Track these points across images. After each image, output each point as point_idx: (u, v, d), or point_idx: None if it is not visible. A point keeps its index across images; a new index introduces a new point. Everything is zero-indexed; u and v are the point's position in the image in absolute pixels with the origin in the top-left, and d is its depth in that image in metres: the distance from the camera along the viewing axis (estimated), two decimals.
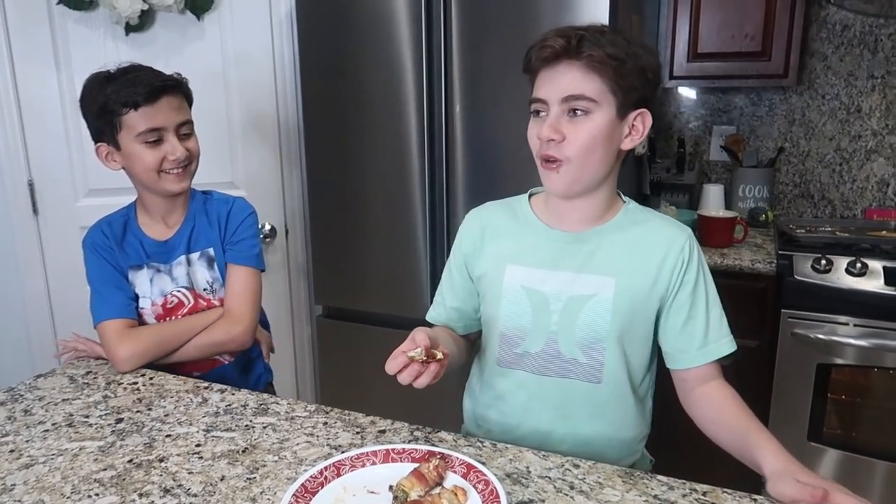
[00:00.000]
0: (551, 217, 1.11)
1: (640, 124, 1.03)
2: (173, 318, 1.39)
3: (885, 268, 1.84)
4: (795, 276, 1.90)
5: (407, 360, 0.92)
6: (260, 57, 2.20)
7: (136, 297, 1.38)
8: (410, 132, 2.01)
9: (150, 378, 1.28)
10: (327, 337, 2.35)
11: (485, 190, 1.96)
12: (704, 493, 0.89)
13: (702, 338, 1.06)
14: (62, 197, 2.11)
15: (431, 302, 2.18)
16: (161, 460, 0.99)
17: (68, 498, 0.90)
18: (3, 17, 1.97)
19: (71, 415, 1.14)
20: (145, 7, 1.99)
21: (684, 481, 0.92)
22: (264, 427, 1.08)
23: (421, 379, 0.93)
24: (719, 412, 1.05)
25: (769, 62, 2.15)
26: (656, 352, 1.14)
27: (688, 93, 2.59)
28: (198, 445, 1.03)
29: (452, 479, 0.90)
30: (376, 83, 2.02)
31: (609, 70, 0.96)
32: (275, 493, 0.90)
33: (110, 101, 1.26)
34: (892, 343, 1.81)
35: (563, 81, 0.98)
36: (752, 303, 1.96)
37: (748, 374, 1.97)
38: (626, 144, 1.04)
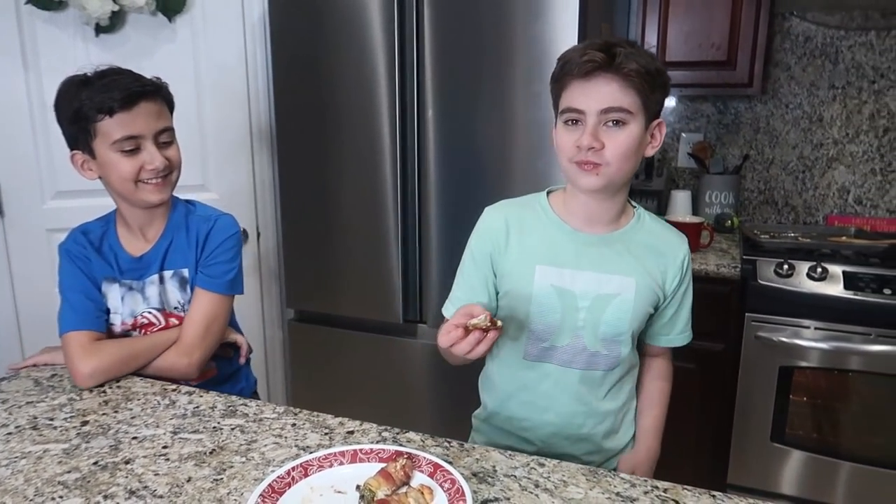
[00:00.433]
0: (572, 218, 1.17)
1: (658, 133, 1.12)
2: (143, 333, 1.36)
3: (844, 273, 1.89)
4: (759, 281, 1.95)
5: (462, 334, 0.97)
6: (232, 59, 2.20)
7: (108, 311, 1.34)
8: (383, 136, 2.02)
9: (117, 381, 1.26)
10: (299, 341, 2.34)
11: (457, 193, 1.98)
12: (665, 490, 0.92)
13: (683, 326, 1.24)
14: (29, 199, 2.08)
15: (404, 305, 2.20)
16: (127, 462, 0.98)
17: (31, 500, 0.89)
18: None
19: (35, 417, 1.12)
20: (116, 8, 1.98)
21: (646, 479, 0.95)
22: (232, 428, 1.08)
23: (479, 347, 0.98)
24: (648, 386, 1.30)
25: (735, 71, 2.21)
26: None
27: None
28: (164, 447, 1.03)
29: (419, 479, 0.91)
30: (349, 87, 2.03)
31: (643, 84, 1.04)
32: (241, 494, 0.90)
33: (84, 106, 1.20)
34: (851, 346, 1.86)
35: (601, 93, 1.04)
36: (718, 306, 2.01)
37: (713, 376, 2.01)
38: (649, 152, 1.12)
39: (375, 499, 0.86)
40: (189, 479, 0.94)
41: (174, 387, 1.24)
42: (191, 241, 1.35)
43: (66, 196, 2.05)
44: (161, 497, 0.90)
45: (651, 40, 2.24)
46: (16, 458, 1.00)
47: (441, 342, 1.00)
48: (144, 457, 1.00)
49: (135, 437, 1.06)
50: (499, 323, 0.98)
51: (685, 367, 1.60)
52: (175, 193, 1.38)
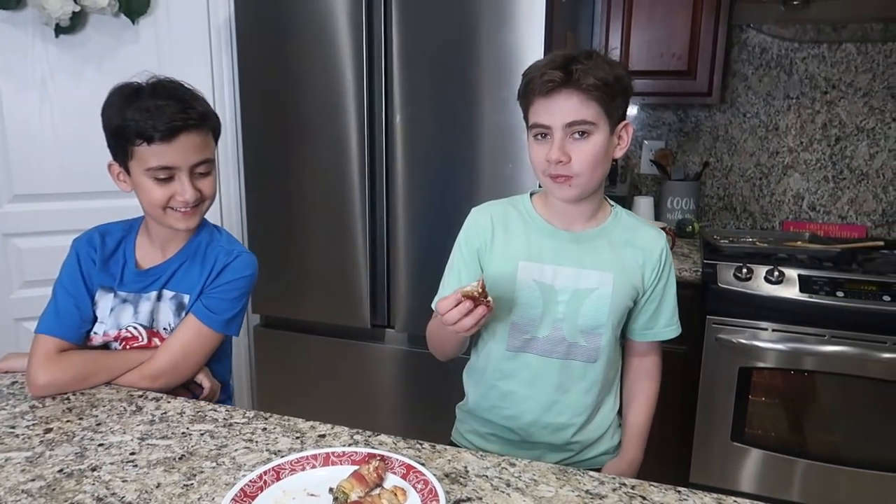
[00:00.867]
0: (553, 217, 1.23)
1: (626, 134, 1.17)
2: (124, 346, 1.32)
3: (799, 276, 1.96)
4: (719, 284, 2.00)
5: (460, 297, 1.03)
6: (197, 62, 2.18)
7: (95, 319, 1.30)
8: (350, 140, 2.02)
9: None
10: (265, 347, 2.32)
11: (425, 198, 1.99)
12: (633, 487, 0.94)
13: (667, 319, 1.28)
14: None
15: (371, 310, 2.19)
16: (93, 469, 0.97)
17: None
18: None
19: None
20: (77, 9, 1.94)
21: (614, 476, 0.97)
22: (202, 434, 1.07)
23: (466, 320, 1.03)
24: (632, 388, 1.33)
25: (695, 81, 2.27)
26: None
27: None
28: (132, 454, 1.01)
29: (392, 480, 0.92)
30: (316, 91, 2.02)
31: (603, 95, 1.09)
32: (213, 499, 0.89)
33: (127, 127, 1.16)
34: (807, 347, 1.92)
35: (564, 109, 1.10)
36: (680, 309, 2.03)
37: (676, 378, 2.05)
38: (618, 153, 1.18)
39: (349, 501, 0.86)
40: (158, 485, 0.93)
41: (141, 393, 1.22)
42: (204, 269, 1.30)
43: (23, 200, 1.99)
44: (130, 503, 0.88)
45: (614, 50, 2.29)
46: None
47: (438, 307, 1.06)
48: (112, 463, 0.98)
49: (101, 444, 1.04)
50: (489, 299, 1.04)
51: None
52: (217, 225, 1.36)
